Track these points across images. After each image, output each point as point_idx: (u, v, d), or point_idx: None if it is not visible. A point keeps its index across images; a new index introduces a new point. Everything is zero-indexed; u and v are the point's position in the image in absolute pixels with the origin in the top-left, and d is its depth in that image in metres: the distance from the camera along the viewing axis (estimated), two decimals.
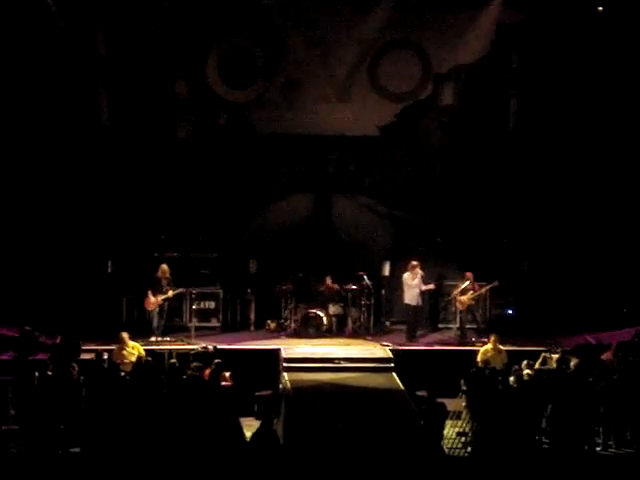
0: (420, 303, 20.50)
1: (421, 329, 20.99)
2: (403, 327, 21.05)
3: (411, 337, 20.38)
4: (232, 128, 22.33)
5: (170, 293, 20.03)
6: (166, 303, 20.18)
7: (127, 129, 21.69)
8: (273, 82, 22.14)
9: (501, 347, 18.32)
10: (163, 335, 19.95)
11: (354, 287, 21.18)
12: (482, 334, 19.95)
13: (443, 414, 15.87)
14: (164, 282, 20.08)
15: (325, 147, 22.44)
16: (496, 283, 20.47)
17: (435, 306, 21.74)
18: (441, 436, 15.72)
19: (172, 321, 20.85)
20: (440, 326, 21.65)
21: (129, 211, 21.71)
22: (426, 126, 22.43)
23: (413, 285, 20.36)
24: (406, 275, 20.47)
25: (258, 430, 14.25)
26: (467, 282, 20.42)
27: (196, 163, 22.09)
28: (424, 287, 20.43)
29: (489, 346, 18.31)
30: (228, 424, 15.03)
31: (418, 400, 17.25)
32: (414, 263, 20.41)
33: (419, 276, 20.37)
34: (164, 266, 20.22)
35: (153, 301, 19.98)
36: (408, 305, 20.44)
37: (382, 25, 21.68)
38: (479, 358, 18.07)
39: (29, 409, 15.68)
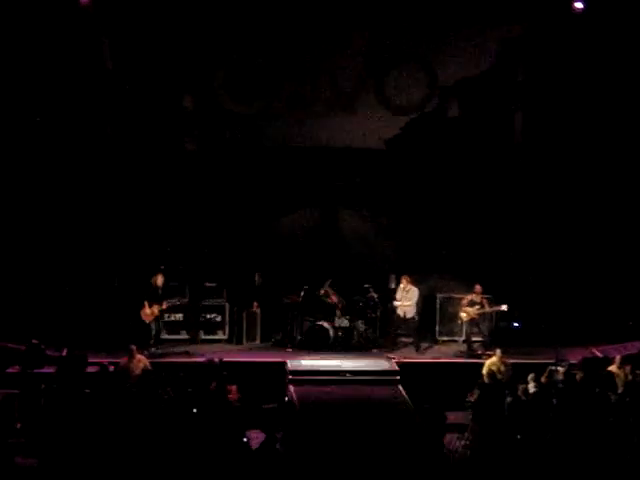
0: (409, 316, 20.70)
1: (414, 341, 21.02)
2: (409, 340, 21.16)
3: (417, 348, 20.64)
4: (239, 142, 22.38)
5: (164, 305, 20.21)
6: (164, 314, 20.41)
7: (135, 143, 21.78)
8: (279, 96, 22.22)
9: (506, 360, 18.34)
10: (158, 345, 20.13)
11: (360, 300, 21.28)
12: (488, 347, 19.97)
13: (443, 422, 16.06)
14: (160, 293, 20.23)
15: (331, 160, 22.37)
16: (505, 308, 20.48)
17: (432, 319, 21.73)
18: (442, 445, 15.87)
19: (178, 333, 21.12)
20: (445, 339, 21.58)
21: (136, 224, 21.80)
22: (432, 139, 22.52)
23: (398, 297, 20.76)
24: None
25: (262, 443, 14.32)
26: (475, 295, 20.51)
27: (203, 176, 22.17)
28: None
29: (494, 359, 18.31)
30: (234, 437, 15.02)
31: (423, 413, 17.09)
32: (404, 277, 20.75)
33: (402, 288, 20.67)
34: (159, 277, 20.37)
35: (149, 312, 20.12)
36: (398, 317, 20.79)
37: (388, 39, 21.80)
38: (485, 371, 18.06)
39: (35, 422, 15.72)
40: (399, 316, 20.79)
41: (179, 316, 21.25)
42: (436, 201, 22.47)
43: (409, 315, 20.78)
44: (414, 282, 20.82)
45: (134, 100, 21.62)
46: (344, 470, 14.84)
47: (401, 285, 20.85)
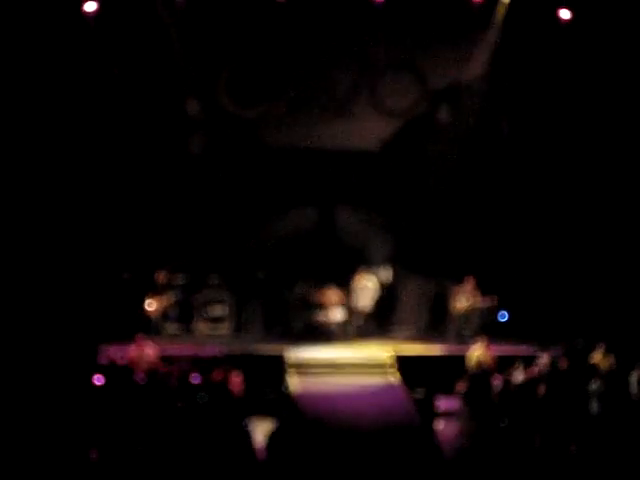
0: (360, 307, 21.25)
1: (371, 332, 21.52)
2: (404, 331, 21.87)
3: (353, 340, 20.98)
4: (241, 144, 22.63)
5: (167, 300, 20.61)
6: (169, 308, 20.86)
7: (142, 145, 21.97)
8: (280, 100, 22.42)
9: (491, 349, 18.55)
10: (162, 338, 20.40)
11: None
12: (476, 337, 19.92)
13: (432, 409, 16.59)
14: (162, 288, 20.70)
15: (328, 161, 22.58)
16: (494, 301, 20.84)
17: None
18: (433, 431, 16.43)
19: (183, 327, 21.55)
20: (438, 330, 21.83)
21: (145, 221, 22.06)
22: (423, 141, 22.81)
23: (356, 289, 21.32)
24: (353, 280, 21.35)
25: (275, 431, 14.82)
26: (468, 287, 20.84)
27: (207, 177, 22.37)
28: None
29: (479, 349, 18.48)
30: (237, 427, 15.41)
31: (418, 401, 17.85)
32: (359, 270, 21.32)
33: (362, 282, 21.23)
34: (162, 273, 20.74)
35: (153, 308, 20.57)
36: (353, 309, 21.35)
37: (382, 45, 21.99)
38: (469, 361, 18.40)
39: (49, 412, 15.84)
40: (353, 309, 21.30)
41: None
42: (428, 199, 22.71)
43: (361, 306, 21.30)
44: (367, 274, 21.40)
45: (141, 104, 21.78)
46: (341, 457, 15.21)
47: (358, 283, 21.23)
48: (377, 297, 21.46)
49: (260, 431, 15.62)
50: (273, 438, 14.74)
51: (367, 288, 21.46)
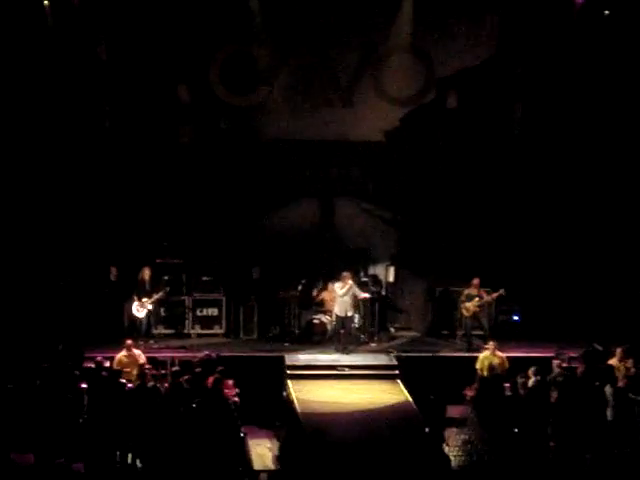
0: (349, 314, 20.32)
1: (355, 340, 20.78)
2: (408, 333, 21.50)
3: (342, 348, 20.12)
4: (235, 133, 22.32)
5: (154, 297, 20.27)
6: (155, 306, 20.46)
7: (130, 136, 21.71)
8: (276, 87, 22.15)
9: (500, 354, 18.25)
10: (153, 340, 20.24)
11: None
12: (488, 341, 19.57)
13: (442, 416, 16.02)
14: (148, 286, 20.34)
15: (329, 152, 22.38)
16: (502, 292, 20.42)
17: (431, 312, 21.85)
18: (442, 439, 16.09)
19: (175, 328, 21.23)
20: (445, 332, 21.59)
21: (131, 217, 21.76)
22: (430, 130, 22.46)
23: (341, 295, 20.24)
24: (336, 285, 20.43)
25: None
26: (473, 288, 20.48)
27: (199, 168, 22.14)
28: (362, 295, 20.37)
29: (487, 353, 18.25)
30: (231, 435, 15.10)
31: (424, 405, 17.37)
32: (345, 274, 20.31)
33: (348, 287, 20.22)
34: (146, 270, 20.47)
35: (139, 307, 20.19)
36: (337, 316, 20.38)
37: (386, 30, 21.77)
38: (478, 365, 18.15)
39: (30, 417, 15.60)
40: (338, 315, 20.37)
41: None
42: (435, 193, 22.40)
43: (350, 313, 20.47)
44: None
45: (129, 91, 21.50)
46: (343, 464, 14.88)
47: (342, 283, 20.29)
48: (350, 304, 20.50)
49: (255, 440, 15.71)
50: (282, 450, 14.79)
51: (339, 295, 20.51)
